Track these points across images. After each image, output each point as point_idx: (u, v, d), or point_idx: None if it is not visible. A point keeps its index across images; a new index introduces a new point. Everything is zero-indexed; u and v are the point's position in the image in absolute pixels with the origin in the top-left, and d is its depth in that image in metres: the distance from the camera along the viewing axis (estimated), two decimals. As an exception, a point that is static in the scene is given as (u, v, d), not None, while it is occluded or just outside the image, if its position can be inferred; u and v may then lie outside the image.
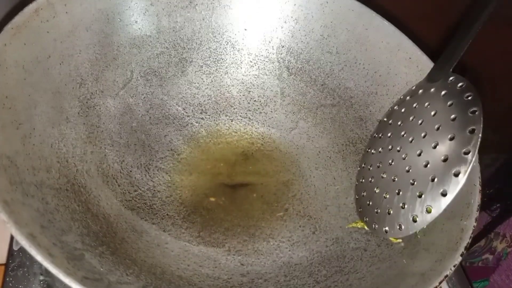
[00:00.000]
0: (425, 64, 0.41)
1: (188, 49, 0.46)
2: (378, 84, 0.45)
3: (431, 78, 0.37)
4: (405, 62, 0.43)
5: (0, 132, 0.30)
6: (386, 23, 0.43)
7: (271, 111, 0.49)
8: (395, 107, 0.40)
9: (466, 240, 0.31)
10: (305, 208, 0.43)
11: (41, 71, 0.35)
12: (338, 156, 0.46)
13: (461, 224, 0.32)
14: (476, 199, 0.33)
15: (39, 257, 0.24)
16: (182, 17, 0.45)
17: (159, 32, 0.44)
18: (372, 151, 0.40)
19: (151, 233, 0.37)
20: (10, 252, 0.39)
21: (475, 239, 0.58)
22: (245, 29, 0.48)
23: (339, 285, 0.35)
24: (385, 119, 0.41)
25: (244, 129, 0.48)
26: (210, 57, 0.47)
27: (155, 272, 0.33)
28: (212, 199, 0.42)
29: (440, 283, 0.29)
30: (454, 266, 0.29)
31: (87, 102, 0.39)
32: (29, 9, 0.34)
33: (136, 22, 0.43)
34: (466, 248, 0.31)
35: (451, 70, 0.34)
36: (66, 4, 0.37)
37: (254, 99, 0.49)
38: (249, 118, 0.48)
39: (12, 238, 0.40)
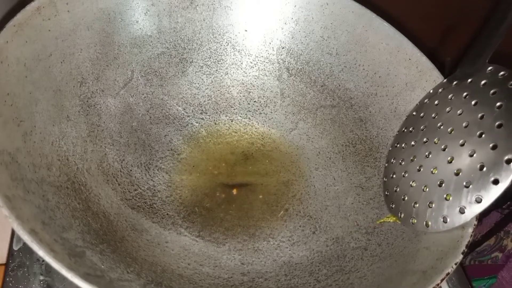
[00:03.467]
0: (425, 65, 0.42)
1: (189, 49, 0.46)
2: (378, 85, 0.45)
3: (464, 70, 0.37)
4: (404, 63, 0.43)
5: (1, 129, 0.29)
6: (385, 24, 0.44)
7: (271, 112, 0.49)
8: (425, 101, 0.40)
9: (467, 238, 0.31)
10: (305, 208, 0.43)
11: (42, 69, 0.35)
12: (338, 156, 0.46)
13: (461, 223, 0.32)
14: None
15: (41, 252, 0.24)
16: (183, 17, 0.45)
17: (160, 32, 0.44)
18: (402, 145, 0.40)
19: (151, 232, 0.37)
20: (10, 252, 0.38)
21: (485, 236, 0.58)
22: (246, 30, 0.48)
23: (340, 284, 0.35)
24: (414, 113, 0.41)
25: (244, 129, 0.48)
26: (210, 57, 0.48)
27: (156, 270, 0.33)
28: (212, 199, 0.42)
29: (442, 280, 0.29)
30: (455, 263, 0.29)
31: (87, 101, 0.39)
32: (31, 7, 0.34)
33: (137, 22, 0.43)
34: (467, 246, 0.31)
35: (487, 61, 0.34)
36: (68, 3, 0.37)
37: (254, 100, 0.49)
38: (249, 119, 0.48)
39: (12, 238, 0.40)
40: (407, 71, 0.43)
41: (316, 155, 0.46)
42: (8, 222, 0.29)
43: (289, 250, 0.39)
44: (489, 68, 0.34)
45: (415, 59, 0.42)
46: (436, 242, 0.33)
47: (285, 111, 0.49)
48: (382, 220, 0.39)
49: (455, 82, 0.37)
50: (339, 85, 0.47)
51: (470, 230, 0.31)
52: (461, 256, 0.30)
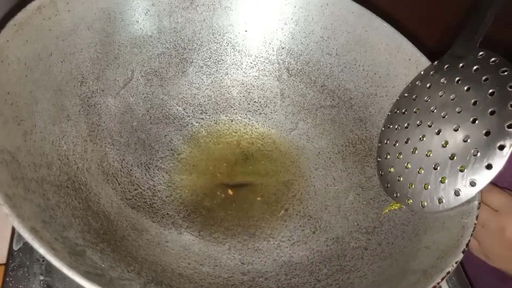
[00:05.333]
0: (424, 65, 0.42)
1: (189, 49, 0.46)
2: (378, 85, 0.45)
3: (455, 53, 0.37)
4: (404, 63, 0.43)
5: (2, 128, 0.29)
6: (385, 25, 0.44)
7: (271, 112, 0.49)
8: (417, 83, 0.40)
9: (468, 237, 0.31)
10: (305, 208, 0.43)
11: (42, 68, 0.35)
12: (337, 156, 0.46)
13: (462, 222, 0.32)
14: (477, 197, 0.33)
15: (41, 250, 0.24)
16: (183, 17, 0.45)
17: (160, 32, 0.45)
18: (396, 127, 0.40)
19: (152, 231, 0.37)
20: (10, 252, 0.38)
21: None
22: (246, 31, 0.48)
23: (340, 283, 0.35)
24: (406, 95, 0.41)
25: (244, 129, 0.48)
26: (210, 58, 0.48)
27: (156, 269, 0.33)
28: (212, 199, 0.42)
29: (442, 279, 0.29)
30: (456, 262, 0.29)
31: (88, 101, 0.39)
32: (31, 6, 0.34)
33: (138, 22, 0.43)
34: (467, 245, 0.31)
35: (477, 45, 0.35)
36: (68, 2, 0.37)
37: (254, 100, 0.49)
38: (249, 119, 0.48)
39: (12, 238, 0.40)
40: (407, 71, 0.43)
41: (316, 155, 0.46)
42: (8, 222, 0.29)
43: (289, 250, 0.39)
44: (481, 53, 0.35)
45: (415, 59, 0.42)
46: (436, 241, 0.33)
47: (285, 112, 0.49)
48: (387, 209, 0.39)
49: (446, 66, 0.38)
50: (339, 86, 0.47)
51: (471, 229, 0.32)
52: (461, 255, 0.30)
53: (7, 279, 0.37)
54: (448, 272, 0.29)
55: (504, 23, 0.51)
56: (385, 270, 0.34)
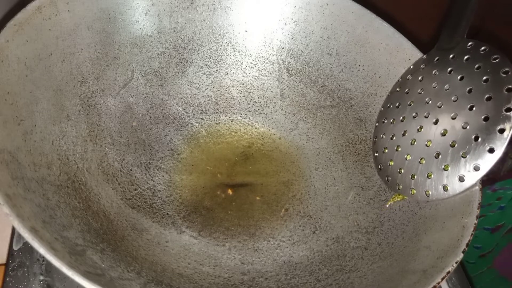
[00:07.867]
0: (425, 65, 0.42)
1: (189, 49, 0.47)
2: (378, 85, 0.45)
3: (443, 46, 0.38)
4: (404, 63, 0.43)
5: (2, 128, 0.30)
6: (385, 25, 0.44)
7: (271, 112, 0.49)
8: (407, 77, 0.41)
9: (468, 237, 0.31)
10: (305, 208, 0.43)
11: (42, 68, 0.35)
12: (338, 156, 0.46)
13: (462, 222, 0.32)
14: (477, 197, 0.33)
15: (41, 250, 0.24)
16: (183, 17, 0.45)
17: (160, 32, 0.45)
18: (391, 121, 0.41)
19: (152, 231, 0.37)
20: (10, 252, 0.38)
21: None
22: (246, 31, 0.48)
23: (341, 283, 0.35)
24: (397, 89, 0.41)
25: (244, 129, 0.48)
26: (210, 58, 0.48)
27: (156, 269, 0.33)
28: (212, 199, 0.42)
29: (442, 279, 0.29)
30: (456, 262, 0.29)
31: (88, 101, 0.39)
32: (31, 6, 0.34)
33: (138, 22, 0.43)
34: (467, 245, 0.31)
35: (465, 35, 0.36)
36: (68, 2, 0.37)
37: (254, 100, 0.49)
38: (249, 119, 0.48)
39: (12, 238, 0.40)
40: (407, 71, 0.43)
41: (316, 155, 0.46)
42: (8, 222, 0.29)
43: (289, 250, 0.39)
44: (469, 43, 0.35)
45: (415, 59, 0.42)
46: (436, 241, 0.33)
47: (285, 111, 0.49)
48: (390, 202, 0.40)
49: (436, 58, 0.38)
50: (339, 86, 0.47)
51: (471, 229, 0.32)
52: (461, 255, 0.30)
53: (7, 279, 0.37)
54: (448, 272, 0.29)
55: (504, 23, 0.51)
56: (385, 270, 0.34)
